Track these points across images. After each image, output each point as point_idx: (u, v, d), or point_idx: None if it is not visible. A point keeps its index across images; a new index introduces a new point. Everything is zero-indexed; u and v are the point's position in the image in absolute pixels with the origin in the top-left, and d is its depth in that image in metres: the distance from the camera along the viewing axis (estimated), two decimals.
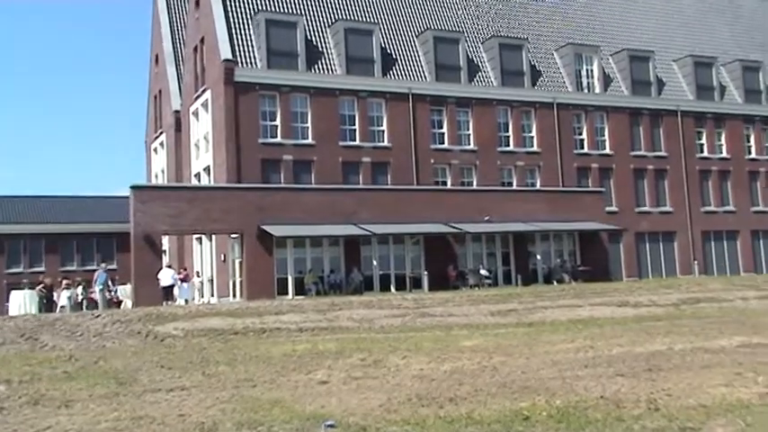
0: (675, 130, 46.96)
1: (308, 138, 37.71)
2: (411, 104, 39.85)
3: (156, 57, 50.80)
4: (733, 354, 13.18)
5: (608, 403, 9.24)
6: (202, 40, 40.04)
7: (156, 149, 51.41)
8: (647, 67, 46.97)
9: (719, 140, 48.88)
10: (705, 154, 48.05)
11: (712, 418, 8.34)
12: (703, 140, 48.25)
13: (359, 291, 32.41)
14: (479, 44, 43.99)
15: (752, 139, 49.99)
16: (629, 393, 9.81)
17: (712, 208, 47.57)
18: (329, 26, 40.32)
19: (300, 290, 32.35)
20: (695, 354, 13.29)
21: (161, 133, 49.33)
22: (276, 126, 37.19)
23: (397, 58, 41.18)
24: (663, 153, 46.53)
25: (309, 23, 39.98)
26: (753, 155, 49.72)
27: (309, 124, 37.84)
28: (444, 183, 40.36)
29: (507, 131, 42.58)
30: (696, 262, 45.96)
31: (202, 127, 40.18)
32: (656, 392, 9.77)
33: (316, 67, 38.83)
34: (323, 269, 33.87)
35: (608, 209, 41.84)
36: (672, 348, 14.07)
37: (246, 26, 38.36)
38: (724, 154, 48.69)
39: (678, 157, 46.75)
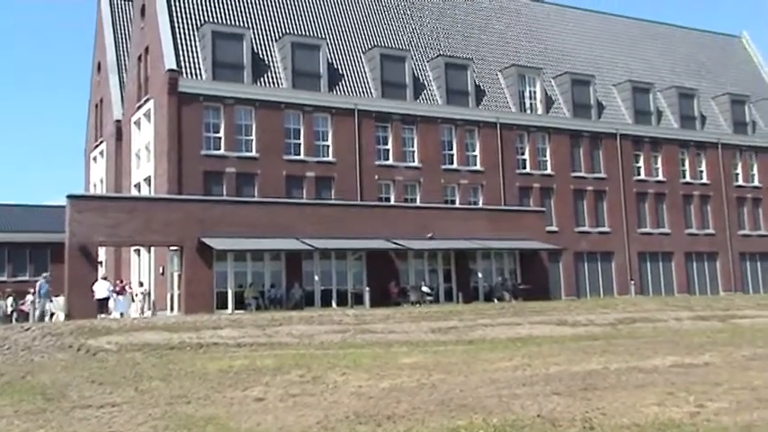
0: (614, 153, 48.07)
1: (251, 150, 37.36)
2: (356, 120, 39.90)
3: (99, 65, 49.81)
4: (666, 373, 13.44)
5: (544, 422, 9.30)
6: (147, 50, 39.41)
7: (95, 158, 50.26)
8: (588, 90, 48.05)
9: (656, 164, 50.21)
10: (642, 177, 49.28)
11: None
12: (641, 163, 49.50)
13: (300, 306, 32.11)
14: (425, 63, 44.37)
15: (686, 163, 51.50)
16: (564, 412, 9.89)
17: (648, 229, 48.75)
18: (276, 40, 40.16)
19: (240, 304, 31.89)
20: (630, 373, 13.51)
21: (101, 142, 48.28)
22: (220, 138, 36.76)
23: (343, 74, 41.22)
24: (602, 175, 47.55)
25: (256, 36, 39.74)
26: (687, 178, 51.18)
27: (254, 137, 37.51)
28: (388, 199, 40.44)
29: (451, 150, 42.95)
30: (633, 282, 46.95)
31: (144, 137, 39.46)
32: (592, 411, 9.88)
33: (261, 80, 38.58)
34: (263, 283, 33.47)
35: (548, 228, 42.49)
36: (607, 367, 14.28)
37: (192, 37, 37.92)
38: (660, 177, 50.02)
39: (616, 179, 47.84)
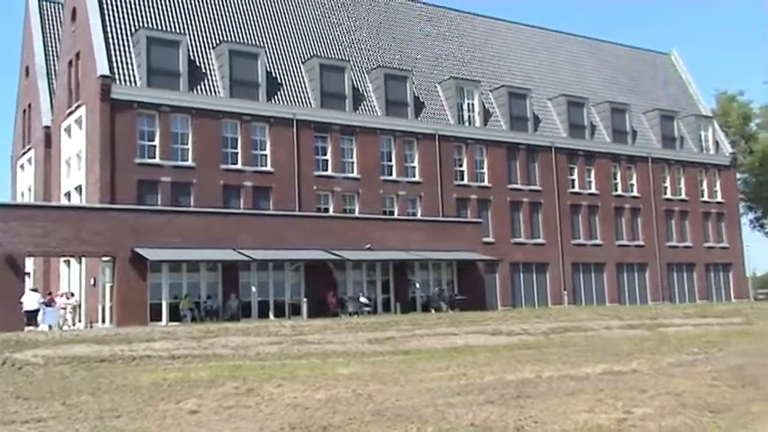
0: (549, 166, 49.06)
1: (188, 160, 36.82)
2: (295, 130, 39.75)
3: (27, 69, 48.40)
4: (596, 381, 13.75)
5: (477, 430, 9.40)
6: (78, 55, 38.51)
7: (23, 166, 48.74)
8: (525, 104, 48.98)
9: (589, 177, 51.42)
10: (576, 189, 50.40)
11: None
12: (575, 176, 50.63)
13: (236, 317, 31.75)
14: (365, 73, 44.55)
15: (618, 176, 52.89)
16: (498, 420, 10.01)
17: (582, 241, 49.85)
18: (213, 47, 39.75)
19: (175, 316, 31.35)
20: (562, 381, 13.77)
21: (29, 149, 46.87)
22: (155, 146, 36.12)
23: (282, 83, 41.04)
24: (537, 187, 48.45)
25: (193, 43, 39.26)
26: (619, 191, 52.55)
27: (190, 146, 36.98)
28: (327, 210, 40.37)
29: (390, 161, 43.17)
30: (566, 292, 47.94)
31: (75, 144, 38.47)
32: (524, 419, 10.03)
33: (198, 87, 38.10)
34: (199, 295, 33.00)
35: (485, 239, 43.08)
36: (540, 376, 14.52)
37: (126, 42, 37.22)
38: (593, 190, 51.23)
39: (551, 192, 48.80)
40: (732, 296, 56.55)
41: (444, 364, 17.06)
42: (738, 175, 64.34)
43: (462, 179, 45.59)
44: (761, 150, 67.62)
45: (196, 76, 38.26)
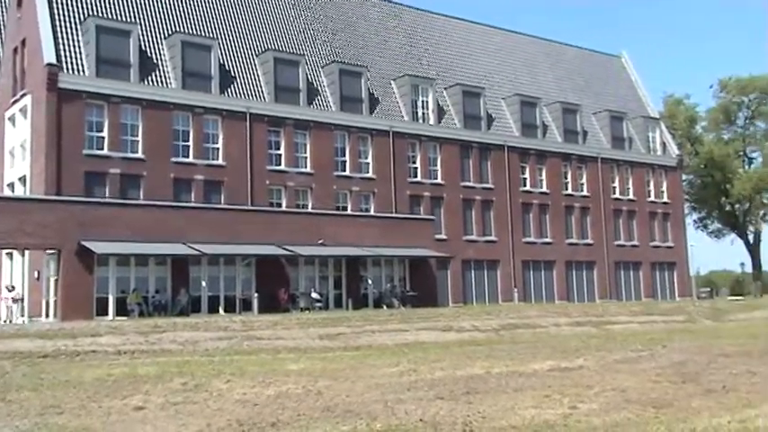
0: (502, 164, 49.53)
1: (137, 151, 36.17)
2: (248, 124, 39.35)
3: None
4: (544, 377, 13.94)
5: (426, 426, 9.44)
6: (24, 42, 37.49)
7: None
8: (478, 102, 49.33)
9: (541, 176, 52.06)
10: (528, 188, 50.98)
11: None
12: (526, 175, 51.20)
13: (185, 312, 31.34)
14: (320, 68, 44.35)
15: (569, 175, 53.67)
16: (447, 416, 10.07)
17: (532, 239, 50.46)
18: (165, 38, 39.11)
19: (122, 311, 30.79)
20: (510, 377, 13.93)
21: None
22: (103, 137, 35.39)
23: (235, 76, 40.59)
24: (490, 185, 48.88)
25: (144, 33, 38.56)
26: (569, 190, 53.34)
27: (140, 138, 36.32)
28: (279, 204, 40.07)
29: (344, 156, 43.07)
30: (516, 289, 48.50)
31: (20, 134, 37.45)
32: (472, 415, 10.11)
33: (149, 79, 37.45)
34: (148, 289, 32.48)
35: (437, 236, 43.32)
36: (490, 372, 14.66)
37: (74, 31, 36.37)
38: (544, 189, 51.89)
39: (503, 190, 49.28)
40: (676, 294, 57.91)
41: (395, 360, 17.11)
42: (684, 177, 65.87)
43: (416, 176, 45.74)
44: (706, 153, 69.36)
45: (147, 66, 37.59)
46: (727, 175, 69.86)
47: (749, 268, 72.15)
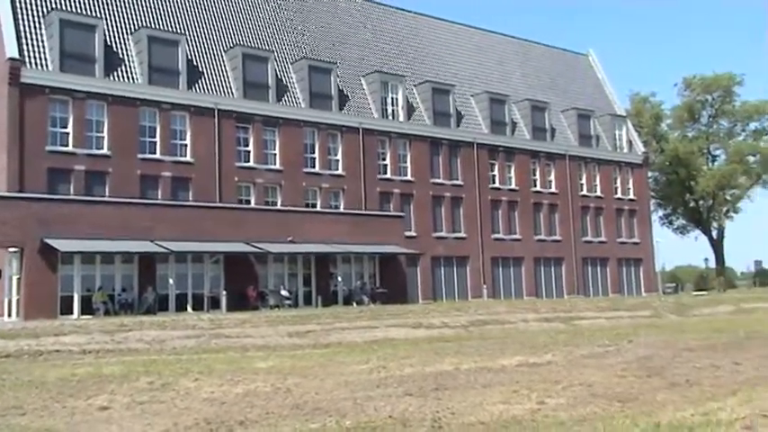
0: (471, 161, 49.72)
1: (103, 148, 35.67)
2: (217, 120, 39.02)
3: None
4: (512, 372, 14.02)
5: (395, 423, 9.44)
6: None
7: None
8: (448, 99, 49.46)
9: (509, 173, 52.38)
10: (497, 185, 51.25)
11: None
12: (495, 172, 51.47)
13: (152, 311, 31.01)
14: (289, 64, 44.11)
15: (537, 172, 54.07)
16: (416, 412, 10.08)
17: (501, 235, 50.75)
18: (132, 33, 38.60)
19: (88, 309, 30.35)
20: (479, 373, 13.98)
21: None
22: (68, 133, 34.84)
23: (203, 72, 40.21)
24: (459, 182, 49.04)
25: (110, 28, 38.02)
26: (538, 187, 53.75)
27: (105, 134, 35.82)
28: (248, 201, 39.82)
29: (314, 153, 42.90)
30: (485, 286, 48.75)
31: None
32: (441, 411, 10.12)
33: (115, 74, 36.94)
34: (114, 287, 32.08)
35: (407, 233, 43.38)
36: (459, 368, 14.70)
37: (38, 25, 35.73)
38: (513, 186, 52.23)
39: (473, 187, 49.48)
40: (642, 290, 58.68)
41: (364, 357, 17.09)
42: (650, 174, 66.75)
43: (385, 173, 45.73)
44: (671, 150, 70.36)
45: (113, 61, 37.08)
46: (691, 172, 70.97)
47: (713, 264, 73.41)
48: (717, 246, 72.97)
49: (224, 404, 11.09)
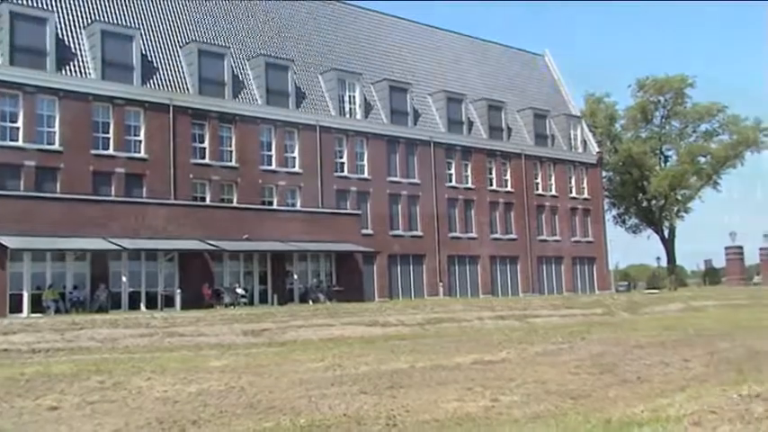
0: (428, 160, 49.92)
1: (54, 143, 34.92)
2: (171, 116, 38.48)
3: None
4: (467, 370, 14.12)
5: (350, 421, 9.44)
6: None
7: None
8: (405, 98, 49.58)
9: (466, 171, 52.71)
10: (453, 183, 51.55)
11: (443, 431, 8.82)
12: (452, 170, 51.77)
13: (104, 309, 30.48)
14: (245, 61, 43.73)
15: (493, 171, 54.52)
16: (370, 410, 10.09)
17: (457, 234, 51.07)
18: (84, 26, 37.86)
19: (38, 308, 29.71)
20: (434, 371, 14.05)
21: None
22: (18, 128, 34.01)
23: (158, 68, 39.63)
24: (416, 180, 49.20)
25: (62, 21, 37.22)
26: (494, 186, 54.20)
27: (57, 129, 35.08)
28: (203, 198, 39.39)
29: (270, 150, 42.60)
30: (442, 284, 49.00)
31: None
32: (396, 409, 10.15)
33: (67, 68, 36.19)
34: (65, 285, 31.45)
35: (364, 231, 43.36)
36: (414, 366, 14.76)
37: None
38: (469, 184, 52.58)
39: (429, 185, 49.66)
40: (596, 288, 59.61)
41: (320, 355, 17.04)
42: (603, 173, 67.81)
43: (342, 171, 45.64)
44: (624, 150, 71.57)
45: (65, 56, 36.32)
46: (644, 172, 72.30)
47: (665, 262, 74.94)
48: (668, 245, 74.50)
49: (177, 403, 10.96)
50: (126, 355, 17.87)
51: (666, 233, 74.88)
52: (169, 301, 33.11)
